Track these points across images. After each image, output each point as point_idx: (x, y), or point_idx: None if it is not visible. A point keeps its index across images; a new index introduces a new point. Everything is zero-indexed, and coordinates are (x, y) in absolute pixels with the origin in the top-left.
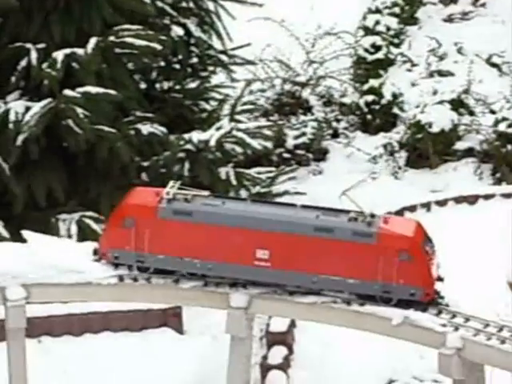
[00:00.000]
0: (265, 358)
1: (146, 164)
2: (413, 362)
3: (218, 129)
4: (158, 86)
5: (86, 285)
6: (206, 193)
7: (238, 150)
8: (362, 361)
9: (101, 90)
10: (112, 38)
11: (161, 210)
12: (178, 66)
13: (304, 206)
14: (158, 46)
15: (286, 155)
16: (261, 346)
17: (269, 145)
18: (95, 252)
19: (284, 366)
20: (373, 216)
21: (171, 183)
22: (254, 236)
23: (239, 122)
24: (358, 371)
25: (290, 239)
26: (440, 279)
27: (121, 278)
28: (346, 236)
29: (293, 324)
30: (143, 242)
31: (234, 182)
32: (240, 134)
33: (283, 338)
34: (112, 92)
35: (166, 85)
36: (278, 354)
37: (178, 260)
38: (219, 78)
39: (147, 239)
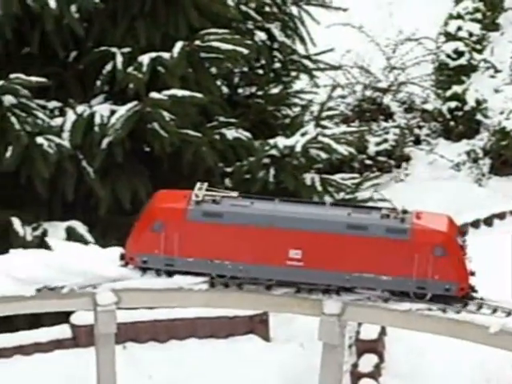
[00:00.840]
0: (355, 366)
1: (229, 169)
2: (508, 371)
3: (303, 134)
4: (240, 91)
5: (177, 290)
6: (235, 193)
7: (323, 155)
8: (454, 370)
9: (187, 93)
10: (198, 42)
11: (190, 212)
12: (260, 71)
13: (334, 204)
14: (245, 51)
15: (368, 162)
16: (350, 353)
17: (354, 151)
18: (122, 257)
19: (375, 375)
20: (405, 212)
21: (198, 185)
22: (287, 236)
23: (324, 127)
24: (451, 381)
25: (322, 237)
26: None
27: (212, 284)
28: (379, 233)
29: (383, 332)
30: (173, 245)
31: (320, 188)
32: (326, 140)
33: (374, 346)
34: (198, 95)
35: (248, 90)
36: (368, 362)
37: (208, 262)
38: (300, 83)
39: (177, 242)
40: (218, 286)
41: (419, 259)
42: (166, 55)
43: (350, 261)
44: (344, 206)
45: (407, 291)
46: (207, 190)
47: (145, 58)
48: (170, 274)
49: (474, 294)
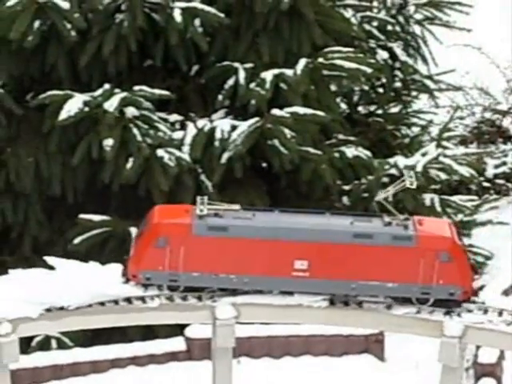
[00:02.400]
0: None
1: (347, 187)
2: None
3: (424, 154)
4: (360, 109)
5: (297, 307)
6: (237, 206)
7: (443, 176)
8: None
9: (309, 110)
10: (321, 60)
11: (195, 226)
12: (381, 90)
13: (334, 213)
14: (368, 69)
15: (486, 184)
16: (467, 376)
17: (474, 173)
18: (123, 274)
19: None
20: (407, 219)
21: (199, 198)
22: (293, 247)
23: (445, 148)
24: None
25: (328, 248)
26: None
27: (331, 302)
28: (385, 241)
29: (502, 356)
30: (178, 261)
31: (439, 209)
32: (447, 161)
33: (492, 370)
34: (320, 113)
35: (368, 108)
36: None
37: (212, 276)
38: (418, 103)
39: (182, 257)
40: (337, 304)
41: (424, 265)
42: (288, 72)
43: (355, 269)
44: (344, 214)
45: (411, 297)
46: (208, 203)
47: (268, 75)
48: (172, 289)
49: (475, 298)
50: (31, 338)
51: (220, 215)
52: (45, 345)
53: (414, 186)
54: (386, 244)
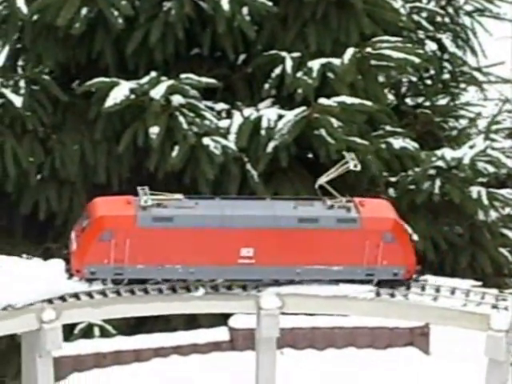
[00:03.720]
0: None
1: (394, 179)
2: None
3: (472, 147)
4: (408, 100)
5: (342, 298)
6: (180, 196)
7: (491, 169)
8: None
9: (356, 100)
10: (369, 50)
11: (140, 218)
12: (429, 82)
13: (275, 198)
14: (416, 60)
15: None
16: None
17: None
18: (67, 269)
19: None
20: (349, 201)
21: (140, 189)
22: (238, 235)
23: (493, 140)
24: None
25: (274, 233)
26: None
27: (378, 293)
28: (330, 224)
29: None
30: (123, 254)
31: (486, 202)
32: (495, 154)
33: None
34: (367, 103)
35: (415, 100)
36: None
37: (158, 268)
38: (466, 95)
39: (127, 250)
40: (383, 296)
41: (370, 247)
42: (336, 61)
43: (301, 254)
44: (286, 199)
45: (356, 279)
46: (150, 194)
47: (315, 64)
48: (117, 283)
49: (418, 277)
50: (74, 326)
51: (163, 205)
52: (88, 332)
53: (357, 169)
54: (330, 227)
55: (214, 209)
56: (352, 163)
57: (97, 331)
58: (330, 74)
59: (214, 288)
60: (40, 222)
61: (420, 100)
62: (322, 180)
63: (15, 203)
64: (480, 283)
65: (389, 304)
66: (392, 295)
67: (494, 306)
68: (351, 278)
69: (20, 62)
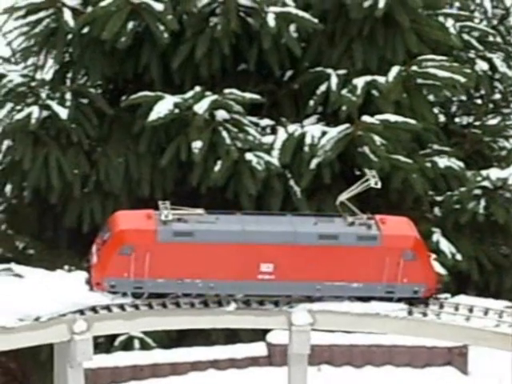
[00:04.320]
0: None
1: (439, 198)
2: None
3: None
4: (457, 120)
5: (374, 316)
6: (201, 211)
7: None
8: None
9: (400, 118)
10: (414, 68)
11: (160, 233)
12: (479, 101)
13: (296, 214)
14: (462, 79)
15: None
16: None
17: None
18: (87, 282)
19: None
20: (369, 218)
21: (161, 203)
22: (258, 250)
23: None
24: None
25: (294, 249)
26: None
27: (410, 312)
28: (350, 241)
29: None
30: (143, 268)
31: None
32: None
33: None
34: (411, 121)
35: (465, 120)
36: None
37: (178, 282)
38: None
39: (147, 264)
40: (415, 315)
41: (390, 264)
42: (381, 79)
43: (321, 270)
44: (306, 215)
45: (376, 296)
46: (171, 208)
47: (359, 81)
48: (136, 296)
49: (438, 295)
50: (114, 338)
51: (184, 220)
52: (128, 345)
53: (378, 186)
54: (351, 244)
55: (235, 224)
56: (373, 180)
57: (137, 344)
58: (375, 92)
59: (246, 303)
60: (84, 234)
61: (470, 120)
62: (343, 197)
63: (60, 215)
64: None
65: (421, 323)
66: (424, 314)
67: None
68: (372, 294)
69: (69, 75)
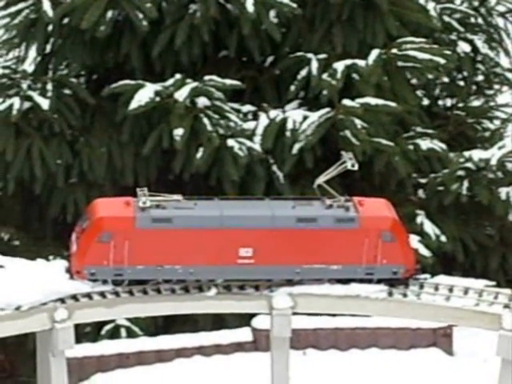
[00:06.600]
0: None
1: (423, 181)
2: None
3: (501, 148)
4: (440, 102)
5: (354, 298)
6: (179, 197)
7: None
8: None
9: (380, 101)
10: (394, 51)
11: (139, 219)
12: (462, 83)
13: (274, 198)
14: (442, 60)
15: None
16: None
17: None
18: (68, 270)
19: None
20: (347, 200)
21: (140, 190)
22: (237, 235)
23: None
24: None
25: (272, 233)
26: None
27: (390, 293)
28: (328, 223)
29: None
30: (122, 255)
31: None
32: None
33: None
34: (392, 104)
35: (448, 102)
36: None
37: (158, 268)
38: (504, 97)
39: (126, 251)
40: (395, 296)
41: (369, 246)
42: (361, 62)
43: (300, 254)
44: (284, 199)
45: (356, 278)
46: (149, 194)
47: (339, 65)
48: (117, 284)
49: (418, 276)
50: (101, 327)
51: (162, 206)
52: (114, 333)
53: (355, 168)
54: (329, 227)
55: (213, 209)
56: (350, 162)
57: (123, 332)
58: (355, 76)
59: (227, 288)
60: (69, 224)
61: (453, 101)
62: (321, 180)
63: (44, 206)
64: (494, 283)
65: (401, 304)
66: (404, 295)
67: (506, 306)
68: (350, 277)
69: (50, 66)
